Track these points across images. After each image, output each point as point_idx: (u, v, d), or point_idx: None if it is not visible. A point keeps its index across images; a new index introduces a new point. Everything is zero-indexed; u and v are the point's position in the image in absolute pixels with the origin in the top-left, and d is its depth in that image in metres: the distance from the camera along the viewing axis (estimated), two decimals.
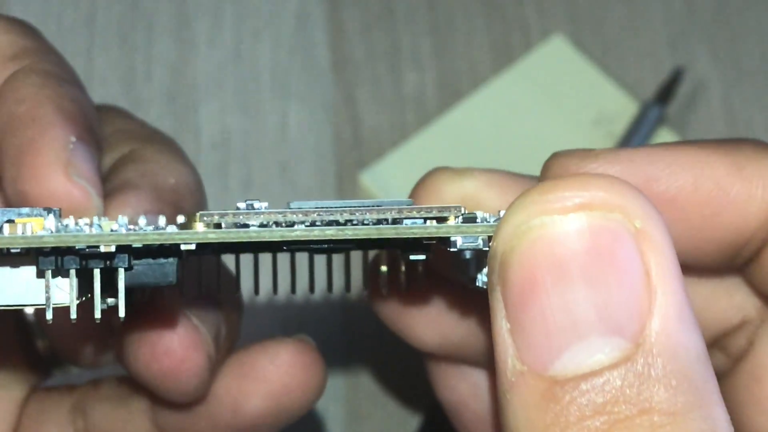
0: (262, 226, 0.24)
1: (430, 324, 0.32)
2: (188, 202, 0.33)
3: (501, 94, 0.57)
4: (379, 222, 0.24)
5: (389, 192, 0.54)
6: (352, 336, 0.53)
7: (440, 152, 0.55)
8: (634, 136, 0.55)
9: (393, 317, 0.33)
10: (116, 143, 0.34)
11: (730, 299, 0.30)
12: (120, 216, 0.26)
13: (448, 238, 0.24)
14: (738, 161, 0.28)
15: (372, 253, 0.32)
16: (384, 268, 0.29)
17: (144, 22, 0.60)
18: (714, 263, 0.29)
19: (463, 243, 0.24)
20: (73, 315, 0.26)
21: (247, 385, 0.33)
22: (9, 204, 0.30)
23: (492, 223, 0.24)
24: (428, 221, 0.24)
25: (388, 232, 0.24)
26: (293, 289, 0.32)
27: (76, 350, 0.36)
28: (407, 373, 0.52)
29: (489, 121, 0.56)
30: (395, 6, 0.60)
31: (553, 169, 0.29)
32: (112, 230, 0.24)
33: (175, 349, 0.31)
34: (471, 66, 0.59)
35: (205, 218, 0.24)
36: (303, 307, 0.52)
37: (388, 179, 0.55)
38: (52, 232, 0.24)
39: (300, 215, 0.24)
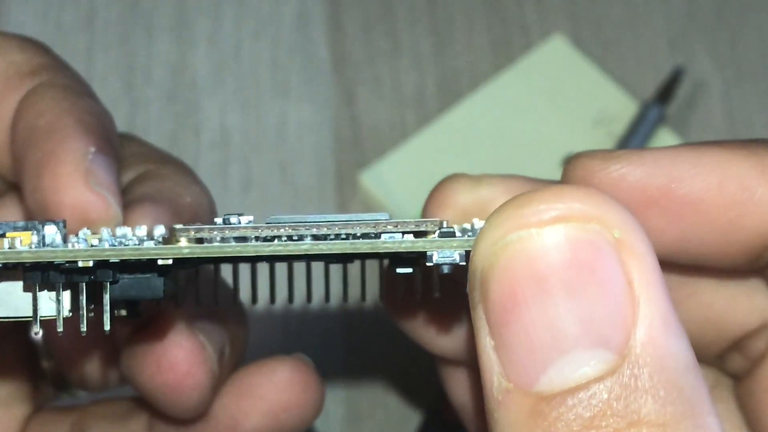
0: (238, 240, 0.24)
1: (446, 329, 0.32)
2: (203, 221, 0.33)
3: (501, 94, 0.57)
4: (357, 236, 0.24)
5: (389, 192, 0.54)
6: (352, 336, 0.53)
7: (440, 152, 0.55)
8: (634, 136, 0.55)
9: (409, 324, 0.33)
10: (132, 164, 0.34)
11: (751, 301, 0.30)
12: (103, 229, 0.26)
13: (425, 252, 0.24)
14: (763, 162, 0.28)
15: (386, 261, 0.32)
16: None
17: (144, 22, 0.60)
18: (736, 265, 0.29)
19: (440, 258, 0.24)
20: (60, 328, 0.26)
21: (246, 403, 0.34)
22: (31, 215, 0.31)
23: (469, 237, 0.24)
24: (406, 235, 0.24)
25: (362, 247, 0.24)
26: (291, 299, 0.32)
27: (82, 370, 0.36)
28: (407, 374, 0.52)
29: (489, 121, 0.56)
30: (395, 6, 0.60)
31: (576, 171, 0.28)
32: (92, 245, 0.24)
33: (180, 363, 0.31)
34: (471, 66, 0.59)
35: (183, 234, 0.24)
36: (303, 308, 0.52)
37: (388, 179, 0.55)
38: (32, 247, 0.24)
39: (276, 230, 0.24)
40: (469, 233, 0.25)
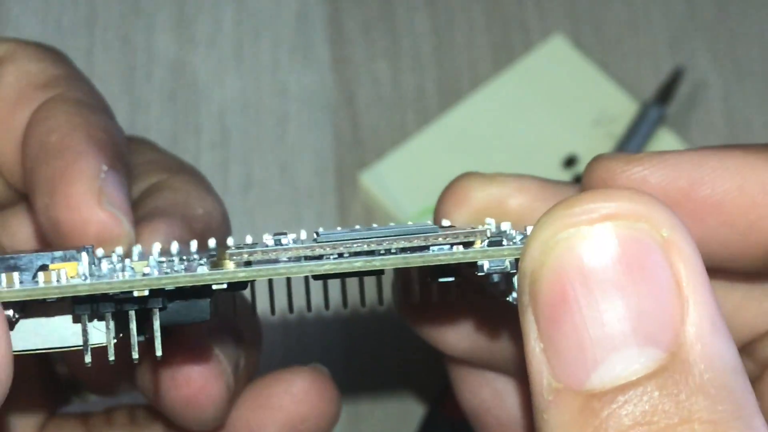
0: (290, 260, 0.24)
1: (460, 331, 0.32)
2: (215, 232, 0.33)
3: (501, 94, 0.57)
4: (405, 250, 0.24)
5: (389, 192, 0.54)
6: (352, 337, 0.53)
7: (440, 152, 0.55)
8: (634, 136, 0.55)
9: (422, 325, 0.33)
10: (145, 173, 0.34)
11: (760, 305, 0.30)
12: (151, 257, 0.26)
13: (475, 262, 0.24)
14: None
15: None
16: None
17: (144, 22, 0.60)
18: (753, 268, 0.29)
19: (491, 267, 0.24)
20: (111, 357, 0.26)
21: (263, 414, 0.34)
22: (41, 232, 0.31)
23: (518, 244, 0.24)
24: (455, 246, 0.24)
25: (415, 261, 0.24)
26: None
27: (95, 378, 0.36)
28: (407, 374, 0.52)
29: (489, 121, 0.56)
30: (395, 6, 0.60)
31: (598, 173, 0.28)
32: (144, 274, 0.24)
33: (196, 378, 0.31)
34: (471, 66, 0.59)
35: (234, 257, 0.24)
36: (302, 309, 0.52)
37: (388, 179, 0.55)
38: (86, 277, 0.24)
39: (327, 248, 0.24)
40: (514, 240, 0.25)
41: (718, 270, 0.29)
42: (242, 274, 0.24)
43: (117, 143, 0.32)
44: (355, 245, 0.24)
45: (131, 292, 0.24)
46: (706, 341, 0.22)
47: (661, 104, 0.56)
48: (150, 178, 0.34)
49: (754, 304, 0.30)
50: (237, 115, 0.58)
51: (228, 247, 0.25)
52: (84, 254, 0.25)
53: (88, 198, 0.30)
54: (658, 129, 0.56)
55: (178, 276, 0.24)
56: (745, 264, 0.29)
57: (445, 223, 0.30)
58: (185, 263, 0.26)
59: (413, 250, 0.24)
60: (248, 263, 0.24)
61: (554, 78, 0.57)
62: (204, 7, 0.60)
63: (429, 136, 0.56)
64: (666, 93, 0.56)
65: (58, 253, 0.26)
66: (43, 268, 0.25)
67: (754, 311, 0.30)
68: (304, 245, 0.24)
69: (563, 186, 0.31)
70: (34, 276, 0.25)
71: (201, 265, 0.25)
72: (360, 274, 0.26)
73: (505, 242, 0.24)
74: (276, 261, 0.24)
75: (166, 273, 0.24)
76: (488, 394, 0.34)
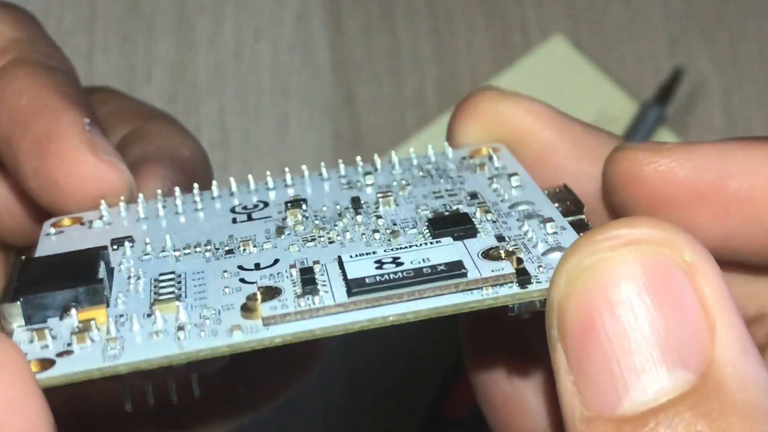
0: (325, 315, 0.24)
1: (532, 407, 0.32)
2: (201, 173, 0.33)
3: None
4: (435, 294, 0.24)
5: None
6: (352, 337, 0.52)
7: None
8: (634, 136, 0.55)
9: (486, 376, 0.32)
10: (118, 122, 0.33)
11: (750, 287, 0.30)
12: (180, 308, 0.24)
13: (506, 305, 0.24)
14: None
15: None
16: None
17: (144, 22, 0.60)
18: None
19: (520, 306, 0.24)
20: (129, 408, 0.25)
21: None
22: (32, 197, 0.30)
23: (544, 284, 0.24)
24: (484, 291, 0.24)
25: (447, 310, 0.24)
26: None
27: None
28: (407, 375, 0.52)
29: None
30: (395, 6, 0.60)
31: (622, 164, 0.28)
32: (200, 349, 0.23)
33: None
34: (471, 66, 0.59)
35: (270, 321, 0.24)
36: None
37: None
38: (116, 328, 0.24)
39: (360, 303, 0.24)
40: (538, 280, 0.25)
41: (743, 264, 0.29)
42: (278, 340, 0.24)
43: (86, 97, 0.31)
44: (388, 301, 0.24)
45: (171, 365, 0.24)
46: (737, 363, 0.22)
47: (660, 104, 0.56)
48: (125, 127, 0.33)
49: (744, 285, 0.30)
50: (237, 115, 0.58)
51: (256, 299, 0.24)
52: (106, 294, 0.25)
53: (83, 150, 0.29)
54: (657, 129, 0.56)
55: (218, 347, 0.24)
56: (765, 257, 0.28)
57: (455, 144, 0.30)
58: (214, 314, 0.25)
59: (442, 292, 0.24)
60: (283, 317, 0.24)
61: (554, 78, 0.57)
62: (204, 7, 0.60)
63: (429, 136, 0.56)
64: (665, 93, 0.56)
65: (81, 289, 0.25)
66: (67, 309, 0.24)
67: (743, 293, 0.30)
68: (337, 304, 0.24)
69: (577, 122, 0.30)
70: (61, 316, 0.24)
71: (236, 331, 0.24)
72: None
73: (533, 281, 0.24)
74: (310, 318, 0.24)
75: (200, 337, 0.24)
76: (512, 407, 0.33)
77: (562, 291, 0.23)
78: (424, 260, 0.24)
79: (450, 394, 0.50)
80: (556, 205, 0.28)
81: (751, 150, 0.27)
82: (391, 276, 0.24)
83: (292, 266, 0.25)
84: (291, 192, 0.31)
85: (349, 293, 0.24)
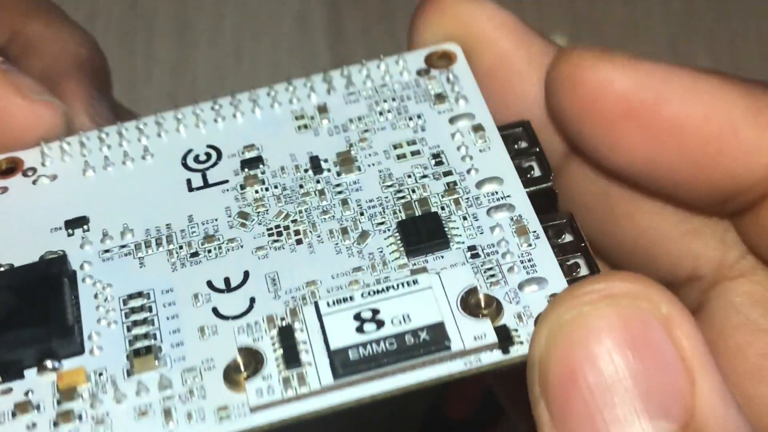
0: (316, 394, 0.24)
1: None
2: (104, 65, 0.31)
3: None
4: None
5: None
6: None
7: None
8: None
9: None
10: None
11: (703, 242, 0.29)
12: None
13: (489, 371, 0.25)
14: (757, 105, 0.26)
15: None
16: None
17: (144, 22, 0.60)
18: (699, 202, 0.28)
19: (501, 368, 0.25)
20: None
21: None
22: None
23: (527, 344, 0.24)
24: (468, 359, 0.24)
25: (430, 383, 0.24)
26: None
27: None
28: None
29: None
30: (395, 6, 0.60)
31: (566, 66, 0.27)
32: None
33: None
34: None
35: (258, 410, 0.24)
36: None
37: None
38: (94, 379, 0.24)
39: (350, 380, 0.25)
40: (520, 340, 0.25)
41: (670, 197, 0.28)
42: (267, 427, 0.24)
43: None
44: (372, 380, 0.25)
45: None
46: (719, 412, 0.22)
47: None
48: (1, 30, 0.30)
49: (697, 239, 0.29)
50: None
51: (240, 371, 0.24)
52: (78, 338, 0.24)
53: (11, 96, 0.27)
54: None
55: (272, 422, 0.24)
56: (692, 196, 0.28)
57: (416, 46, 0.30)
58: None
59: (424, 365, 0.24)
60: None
61: None
62: (204, 7, 0.60)
63: None
64: None
65: (53, 342, 0.24)
66: (41, 366, 0.24)
67: (696, 247, 0.29)
68: (325, 387, 0.24)
69: (538, 35, 0.30)
70: (39, 369, 0.24)
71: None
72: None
73: (515, 342, 0.24)
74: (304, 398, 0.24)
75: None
76: None
77: (543, 347, 0.23)
78: (404, 319, 0.24)
79: (450, 394, 0.50)
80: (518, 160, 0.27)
81: (696, 79, 0.27)
82: (375, 349, 0.24)
83: (270, 319, 0.25)
84: (243, 130, 0.30)
85: (335, 374, 0.24)
